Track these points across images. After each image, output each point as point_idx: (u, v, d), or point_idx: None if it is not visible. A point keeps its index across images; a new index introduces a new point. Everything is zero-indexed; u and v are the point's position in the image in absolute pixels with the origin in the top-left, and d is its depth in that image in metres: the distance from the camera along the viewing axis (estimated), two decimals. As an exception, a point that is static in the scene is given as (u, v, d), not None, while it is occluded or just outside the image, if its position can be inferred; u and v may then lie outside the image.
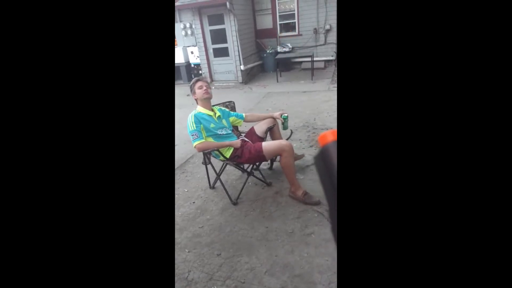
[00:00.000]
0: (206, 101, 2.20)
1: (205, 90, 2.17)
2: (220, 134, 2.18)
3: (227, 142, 2.14)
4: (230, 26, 6.42)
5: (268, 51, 7.37)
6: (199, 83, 2.20)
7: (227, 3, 5.93)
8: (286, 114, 2.39)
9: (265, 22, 7.56)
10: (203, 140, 2.08)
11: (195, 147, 2.08)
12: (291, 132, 2.59)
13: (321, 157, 0.30)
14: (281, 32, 7.53)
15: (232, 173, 2.67)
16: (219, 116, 2.24)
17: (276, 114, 2.40)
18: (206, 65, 7.07)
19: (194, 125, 2.07)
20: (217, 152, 2.13)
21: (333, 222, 0.31)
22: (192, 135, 2.07)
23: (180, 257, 1.76)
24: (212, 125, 2.14)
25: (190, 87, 2.25)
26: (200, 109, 2.19)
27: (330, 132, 0.30)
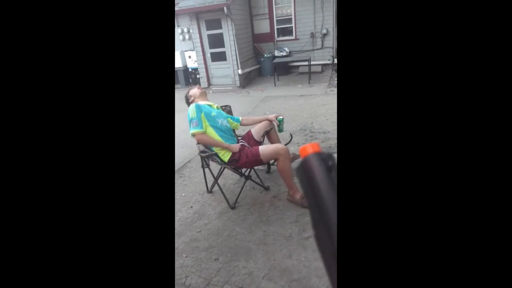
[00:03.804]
0: (203, 96, 2.34)
1: (198, 86, 2.39)
2: (221, 125, 2.22)
3: (225, 144, 2.15)
4: (228, 31, 6.45)
5: (265, 55, 7.40)
6: (191, 87, 2.43)
7: (225, 8, 5.97)
8: (281, 117, 2.41)
9: (263, 26, 7.62)
10: (203, 131, 2.10)
11: (193, 135, 2.10)
12: (291, 137, 2.62)
13: (302, 168, 0.33)
14: (278, 36, 7.58)
15: (230, 177, 2.67)
16: (217, 107, 2.36)
17: (272, 116, 2.43)
18: (203, 70, 7.09)
19: (195, 113, 2.10)
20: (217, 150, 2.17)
21: (316, 230, 0.32)
22: (192, 122, 2.09)
23: (178, 262, 1.75)
24: (213, 113, 2.20)
25: (185, 97, 2.39)
26: (200, 101, 2.28)
27: (310, 145, 0.33)
